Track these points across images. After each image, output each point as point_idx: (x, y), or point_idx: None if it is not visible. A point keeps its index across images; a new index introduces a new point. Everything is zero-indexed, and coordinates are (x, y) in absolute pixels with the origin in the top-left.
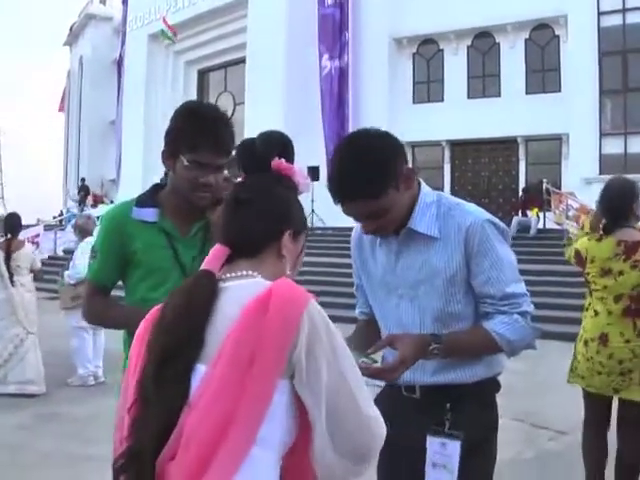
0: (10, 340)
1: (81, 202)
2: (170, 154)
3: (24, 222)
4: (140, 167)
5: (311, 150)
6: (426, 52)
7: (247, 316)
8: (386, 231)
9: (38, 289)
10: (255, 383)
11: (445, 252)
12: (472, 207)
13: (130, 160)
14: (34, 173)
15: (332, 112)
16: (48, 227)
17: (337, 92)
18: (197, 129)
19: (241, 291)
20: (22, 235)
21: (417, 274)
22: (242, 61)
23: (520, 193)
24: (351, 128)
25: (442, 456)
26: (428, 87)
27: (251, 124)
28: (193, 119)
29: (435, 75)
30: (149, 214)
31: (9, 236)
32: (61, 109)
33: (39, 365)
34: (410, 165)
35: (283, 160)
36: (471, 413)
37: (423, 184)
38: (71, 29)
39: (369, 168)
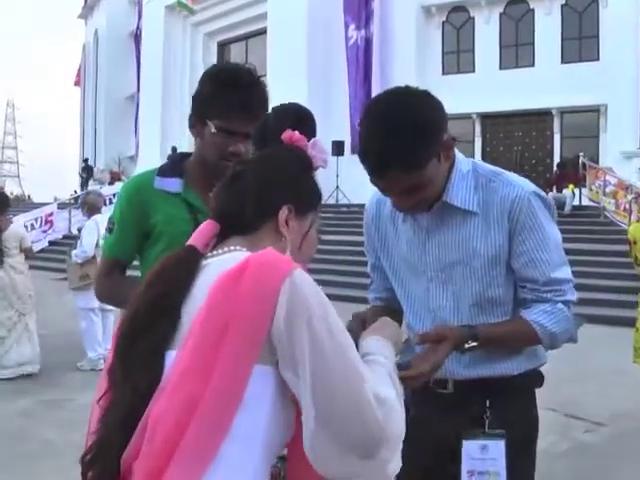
0: (2, 324)
1: (83, 185)
2: (197, 120)
3: (41, 200)
4: (158, 143)
5: (336, 124)
6: (456, 20)
7: (218, 290)
8: (421, 208)
9: (52, 269)
10: (224, 368)
11: (486, 229)
12: (515, 177)
13: (148, 136)
14: (51, 150)
15: (358, 84)
16: (62, 206)
17: (363, 64)
18: (227, 93)
19: (220, 265)
20: (35, 214)
21: (452, 254)
22: (263, 32)
23: (554, 168)
24: None
25: (483, 461)
26: (458, 57)
27: (273, 97)
28: (223, 83)
29: (465, 45)
30: (172, 184)
31: None
32: (77, 83)
33: (35, 346)
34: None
35: (297, 132)
36: (514, 410)
37: (456, 151)
38: (86, 1)
39: (413, 131)
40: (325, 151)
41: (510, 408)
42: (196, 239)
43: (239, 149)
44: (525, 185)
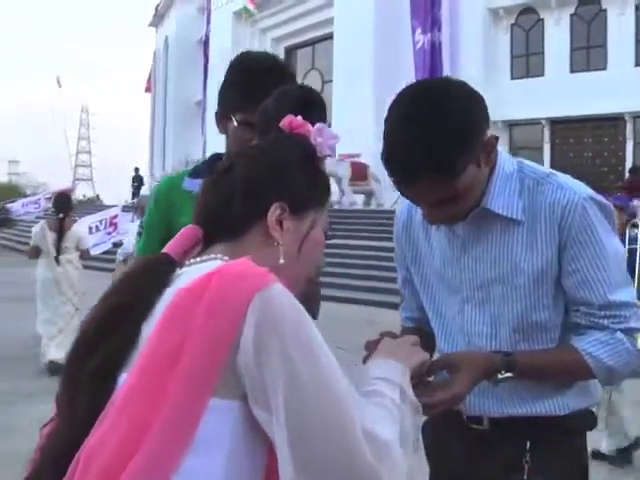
0: (62, 317)
1: (135, 194)
2: (222, 114)
3: (112, 203)
4: (224, 147)
5: None
6: (525, 23)
7: (174, 305)
8: (457, 220)
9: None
10: (172, 399)
11: (532, 241)
12: (568, 179)
13: (215, 141)
14: (122, 154)
15: None
16: (127, 208)
17: (430, 68)
18: (246, 83)
19: (190, 277)
20: (100, 216)
21: (491, 270)
22: (330, 37)
23: (627, 175)
24: None
25: None
26: (527, 61)
27: (340, 102)
28: (241, 72)
29: (535, 47)
30: (199, 185)
31: (61, 215)
32: (147, 90)
33: None
34: (506, 146)
35: (299, 117)
36: (559, 456)
37: (500, 149)
38: (156, 9)
39: (447, 133)
40: (334, 137)
41: (555, 454)
42: (173, 245)
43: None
44: (579, 189)
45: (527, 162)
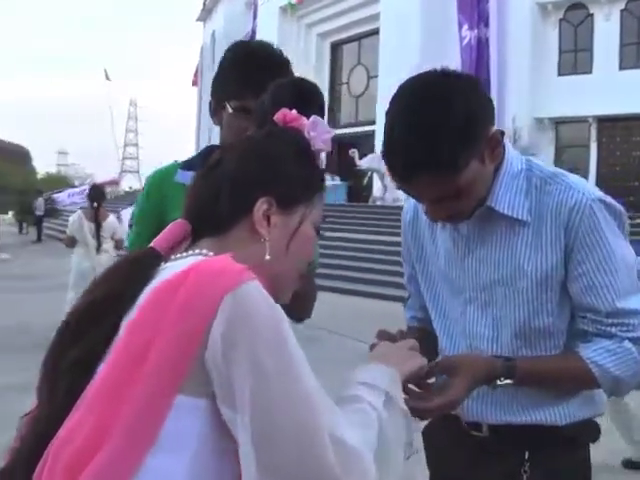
0: None
1: None
2: (217, 104)
3: None
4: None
5: None
6: (574, 18)
7: (148, 301)
8: (461, 218)
9: None
10: (137, 395)
11: (537, 243)
12: (577, 180)
13: None
14: (169, 147)
15: None
16: None
17: (476, 64)
18: (242, 69)
19: (173, 271)
20: None
21: (494, 271)
22: (376, 32)
23: None
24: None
25: None
26: (575, 57)
27: (385, 98)
28: (237, 59)
29: (583, 43)
30: (191, 177)
31: (95, 205)
32: (194, 83)
33: None
34: (552, 144)
35: (293, 111)
36: (560, 467)
37: (508, 145)
38: (204, 4)
39: (448, 127)
40: (328, 130)
41: (555, 464)
42: (160, 239)
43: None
44: (588, 190)
45: (536, 161)
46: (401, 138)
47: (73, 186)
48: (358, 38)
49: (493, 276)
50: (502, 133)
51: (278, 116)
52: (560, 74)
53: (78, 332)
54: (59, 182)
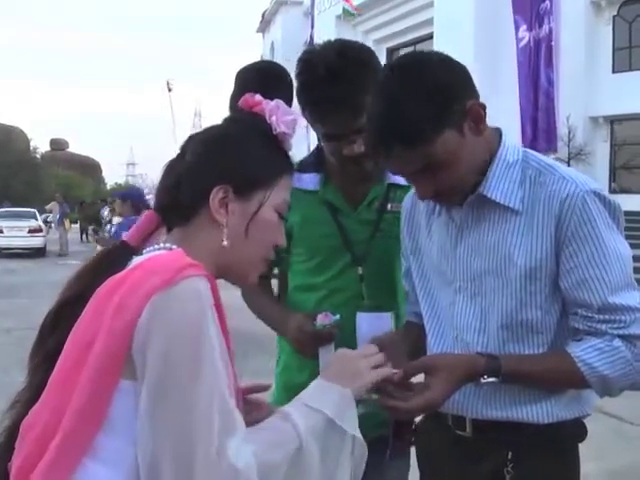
0: None
1: None
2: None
3: None
4: None
5: (505, 131)
6: (628, 14)
7: (97, 297)
8: (450, 196)
9: None
10: (84, 383)
11: (528, 233)
12: (573, 172)
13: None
14: None
15: (529, 88)
16: None
17: (534, 65)
18: (302, 97)
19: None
20: None
21: (485, 260)
22: (430, 37)
23: None
24: (545, 105)
25: None
26: (630, 53)
27: None
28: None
29: (638, 40)
30: (309, 180)
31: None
32: None
33: None
34: (607, 142)
35: (257, 95)
36: (543, 467)
37: (505, 135)
38: (263, 16)
39: (415, 96)
40: (290, 113)
41: (539, 465)
42: (132, 233)
43: (351, 151)
44: (582, 182)
45: (533, 152)
46: (373, 115)
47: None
48: (413, 43)
49: (484, 265)
50: (483, 106)
51: (242, 102)
52: (614, 71)
53: (52, 328)
54: None
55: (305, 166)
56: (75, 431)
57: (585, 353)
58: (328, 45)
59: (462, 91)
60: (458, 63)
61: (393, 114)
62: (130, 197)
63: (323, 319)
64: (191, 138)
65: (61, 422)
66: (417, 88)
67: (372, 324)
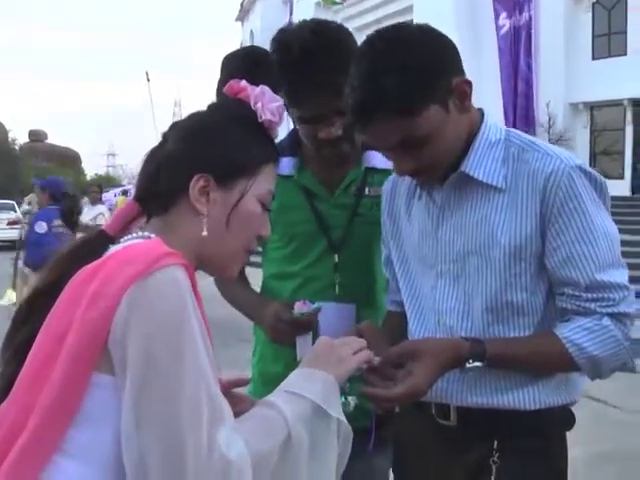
0: None
1: None
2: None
3: None
4: None
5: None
6: (607, 1)
7: (72, 287)
8: (429, 174)
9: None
10: (56, 375)
11: (511, 211)
12: (556, 149)
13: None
14: None
15: (510, 76)
16: None
17: (515, 53)
18: (284, 78)
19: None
20: None
21: (468, 240)
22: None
23: None
24: (525, 92)
25: None
26: (609, 40)
27: None
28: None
29: (617, 26)
30: (284, 165)
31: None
32: None
33: None
34: (587, 128)
35: (243, 81)
36: (530, 456)
37: (487, 115)
38: (242, 5)
39: (400, 70)
40: (277, 99)
41: (525, 454)
42: (111, 222)
43: (329, 134)
44: (566, 157)
45: (515, 131)
46: (353, 88)
47: (121, 185)
48: None
49: (467, 245)
50: (468, 83)
51: (227, 88)
52: (594, 58)
53: (25, 318)
54: (108, 182)
55: (280, 150)
56: (44, 427)
57: (573, 333)
58: (303, 24)
59: (447, 67)
60: (446, 38)
61: (378, 85)
62: (49, 186)
63: (301, 307)
64: (174, 125)
65: (28, 418)
66: (402, 59)
67: (334, 315)
